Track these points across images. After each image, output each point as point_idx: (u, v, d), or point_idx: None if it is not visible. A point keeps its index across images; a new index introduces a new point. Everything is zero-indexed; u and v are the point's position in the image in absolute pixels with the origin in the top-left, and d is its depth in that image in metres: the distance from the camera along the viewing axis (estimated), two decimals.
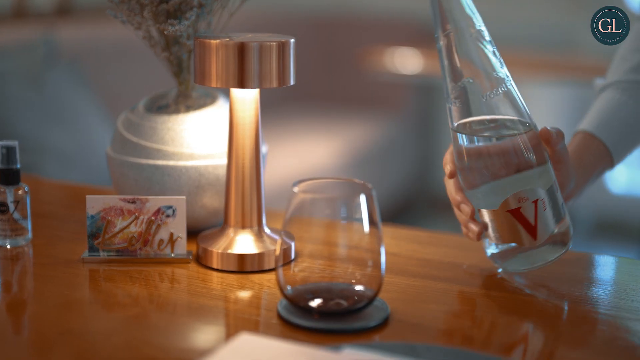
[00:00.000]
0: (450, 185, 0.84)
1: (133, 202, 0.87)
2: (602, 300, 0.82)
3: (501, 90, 0.78)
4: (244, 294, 0.81)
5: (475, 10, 0.79)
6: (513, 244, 0.81)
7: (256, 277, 0.84)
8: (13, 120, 1.80)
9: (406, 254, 0.93)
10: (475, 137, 0.79)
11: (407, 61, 2.69)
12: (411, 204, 3.13)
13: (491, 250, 0.84)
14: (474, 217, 0.82)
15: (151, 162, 0.93)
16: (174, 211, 0.87)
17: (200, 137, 0.94)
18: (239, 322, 0.74)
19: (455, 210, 0.84)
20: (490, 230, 0.82)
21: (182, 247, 0.88)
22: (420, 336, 0.71)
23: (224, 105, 0.97)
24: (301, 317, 0.73)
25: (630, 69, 0.93)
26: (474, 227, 0.82)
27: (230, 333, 0.72)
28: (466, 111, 0.79)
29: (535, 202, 0.78)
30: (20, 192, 0.91)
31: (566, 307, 0.79)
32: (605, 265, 0.94)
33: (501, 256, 0.83)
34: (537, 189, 0.78)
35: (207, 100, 0.98)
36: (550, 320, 0.76)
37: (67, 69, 1.99)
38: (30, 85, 1.87)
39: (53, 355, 0.68)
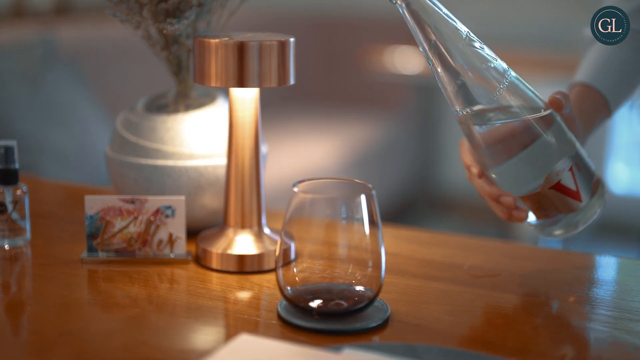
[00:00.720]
0: (480, 183, 0.84)
1: (132, 202, 0.87)
2: (604, 301, 0.81)
3: (507, 81, 0.78)
4: (244, 295, 0.81)
5: (453, 16, 0.78)
6: (561, 215, 0.81)
7: (256, 278, 0.84)
8: (12, 119, 1.79)
9: (406, 254, 0.92)
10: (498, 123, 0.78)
11: (407, 60, 2.69)
12: (411, 204, 3.13)
13: (537, 226, 0.84)
14: (516, 204, 0.83)
15: (150, 162, 0.93)
16: (173, 211, 0.87)
17: (199, 137, 0.94)
18: (238, 322, 0.74)
19: (492, 204, 0.84)
20: (535, 209, 0.82)
21: (182, 247, 0.88)
22: (420, 337, 0.71)
23: (223, 105, 0.97)
24: (301, 318, 0.73)
25: None
26: (520, 214, 0.83)
27: (229, 334, 0.72)
28: (481, 114, 0.78)
29: (571, 168, 0.79)
30: (18, 192, 0.90)
31: (568, 308, 0.79)
32: (607, 266, 0.94)
33: (550, 225, 0.83)
34: (567, 157, 0.79)
35: (206, 99, 0.98)
36: (551, 320, 0.76)
37: (66, 69, 1.99)
38: (29, 85, 1.87)
39: (52, 356, 0.68)
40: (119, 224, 0.87)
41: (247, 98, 0.86)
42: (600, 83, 0.89)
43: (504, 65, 0.79)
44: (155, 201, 0.87)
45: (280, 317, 0.74)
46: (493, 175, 0.82)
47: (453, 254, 0.93)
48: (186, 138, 0.93)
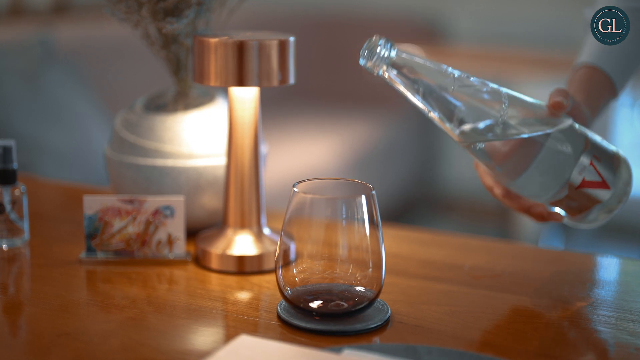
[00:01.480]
0: (509, 201, 0.86)
1: (131, 202, 0.87)
2: (605, 302, 0.81)
3: (505, 104, 0.77)
4: (243, 296, 0.81)
5: (433, 63, 0.76)
6: (595, 206, 0.82)
7: (255, 279, 0.84)
8: (10, 119, 1.79)
9: (407, 254, 0.92)
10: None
11: None
12: (412, 205, 3.12)
13: (575, 220, 0.85)
14: (549, 209, 0.84)
15: (149, 161, 0.92)
16: (172, 211, 0.87)
17: (199, 137, 0.93)
18: (238, 323, 0.74)
19: (525, 214, 0.86)
20: (568, 210, 0.83)
21: (181, 247, 0.88)
22: (421, 338, 0.71)
23: (223, 105, 0.97)
24: (301, 319, 0.72)
25: None
26: (555, 217, 0.84)
27: (229, 335, 0.72)
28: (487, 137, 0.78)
29: (591, 162, 0.79)
30: (17, 192, 0.90)
31: (569, 309, 0.78)
32: (609, 266, 0.93)
33: (587, 216, 0.84)
34: (584, 154, 0.79)
35: (205, 99, 0.98)
36: (552, 321, 0.75)
37: (65, 68, 1.99)
38: (27, 84, 1.86)
39: (50, 357, 0.67)
40: (117, 224, 0.87)
41: (246, 98, 0.86)
42: (604, 63, 0.89)
43: (496, 86, 0.78)
44: (154, 201, 0.87)
45: (280, 318, 0.74)
46: (516, 190, 0.82)
47: (454, 254, 0.93)
48: (185, 138, 0.93)
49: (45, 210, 1.06)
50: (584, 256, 0.94)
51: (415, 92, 0.74)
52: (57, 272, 0.84)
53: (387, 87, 2.90)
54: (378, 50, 0.72)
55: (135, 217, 0.87)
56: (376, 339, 0.71)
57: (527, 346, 0.70)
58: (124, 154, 0.94)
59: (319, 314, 0.72)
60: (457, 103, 0.75)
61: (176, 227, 0.87)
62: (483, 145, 0.77)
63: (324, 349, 0.66)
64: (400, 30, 3.02)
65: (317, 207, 0.71)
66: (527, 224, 2.47)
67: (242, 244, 0.86)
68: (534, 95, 0.82)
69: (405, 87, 0.75)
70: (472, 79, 0.76)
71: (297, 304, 0.73)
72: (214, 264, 0.86)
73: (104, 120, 1.99)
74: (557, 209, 0.84)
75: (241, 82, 0.83)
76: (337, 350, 0.65)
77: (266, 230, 0.89)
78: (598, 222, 0.84)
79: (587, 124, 0.84)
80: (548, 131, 0.78)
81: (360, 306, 0.73)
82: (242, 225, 0.87)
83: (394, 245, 0.94)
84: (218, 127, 0.94)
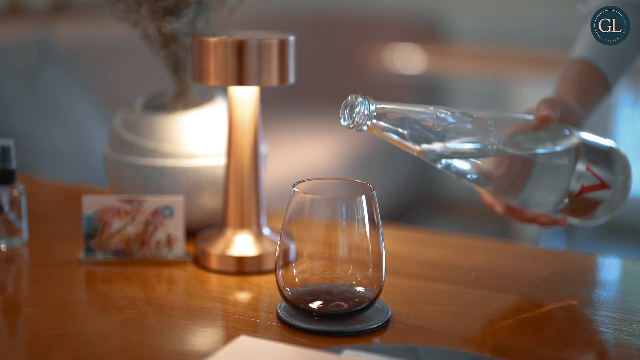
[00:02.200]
0: (513, 215, 0.86)
1: (130, 202, 0.86)
2: (607, 302, 0.81)
3: (491, 126, 0.77)
4: (243, 296, 0.81)
5: (411, 107, 0.75)
6: (597, 206, 0.82)
7: (255, 279, 0.84)
8: (8, 119, 1.79)
9: (407, 255, 0.92)
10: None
11: (408, 58, 2.69)
12: (412, 205, 3.12)
13: (580, 221, 0.85)
14: (553, 216, 0.84)
15: (149, 161, 0.92)
16: (171, 212, 0.86)
17: (198, 136, 0.93)
18: (237, 324, 0.73)
19: (531, 224, 0.87)
20: (572, 214, 0.84)
21: (180, 248, 0.87)
22: (421, 338, 0.71)
23: (222, 104, 0.96)
24: (301, 319, 0.72)
25: None
26: (560, 223, 0.84)
27: (229, 335, 0.71)
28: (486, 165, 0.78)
29: (587, 167, 0.79)
30: (15, 192, 0.90)
31: (570, 309, 0.78)
32: (610, 267, 0.93)
33: (592, 215, 0.84)
34: (580, 160, 0.79)
35: (205, 98, 0.97)
36: (553, 322, 0.75)
37: (64, 67, 1.98)
38: (26, 84, 1.86)
39: (49, 358, 0.67)
40: (116, 224, 0.87)
41: (246, 97, 0.86)
42: (598, 58, 0.89)
43: (481, 113, 0.78)
44: (153, 201, 0.86)
45: (279, 319, 0.73)
46: (518, 205, 0.83)
47: (454, 254, 0.93)
48: (185, 137, 0.93)
49: (44, 211, 1.05)
50: (584, 256, 0.93)
51: (402, 137, 0.74)
52: (56, 273, 0.84)
53: (388, 87, 2.89)
54: (358, 109, 0.71)
55: (135, 217, 0.86)
56: (376, 340, 0.70)
57: (528, 347, 0.70)
58: (123, 154, 0.94)
59: (318, 314, 0.72)
60: (446, 143, 0.75)
61: (175, 227, 0.87)
62: (476, 176, 0.77)
63: (324, 350, 0.66)
64: (401, 30, 3.02)
65: (317, 207, 0.70)
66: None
67: (242, 244, 0.86)
68: (535, 94, 0.82)
69: (393, 135, 0.74)
70: (454, 112, 0.76)
71: (297, 304, 0.72)
72: (214, 264, 0.86)
73: (103, 120, 1.98)
74: (562, 215, 0.84)
75: (241, 81, 0.82)
76: (337, 351, 0.65)
77: (266, 231, 0.89)
78: (605, 219, 0.84)
79: (579, 123, 0.84)
80: (538, 151, 0.78)
81: (361, 307, 0.72)
82: (242, 225, 0.87)
83: (394, 245, 0.94)
84: (218, 127, 0.94)
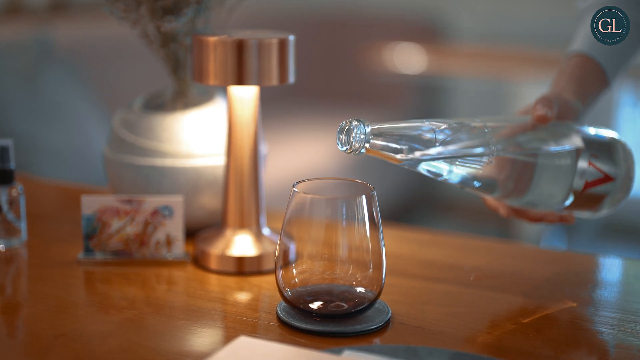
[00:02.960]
0: (519, 217, 0.86)
1: (129, 202, 0.86)
2: (608, 303, 0.81)
3: (489, 134, 0.76)
4: (243, 296, 0.80)
5: (407, 124, 0.74)
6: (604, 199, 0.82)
7: (255, 279, 0.83)
8: (7, 118, 1.78)
9: (407, 255, 0.92)
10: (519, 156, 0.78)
11: (409, 58, 2.68)
12: (412, 205, 3.12)
13: (588, 215, 0.85)
14: (560, 214, 0.84)
15: (148, 161, 0.92)
16: (171, 212, 0.86)
17: (198, 136, 0.93)
18: (237, 324, 0.73)
19: (539, 223, 0.87)
20: (579, 209, 0.83)
21: (180, 248, 0.87)
22: (421, 339, 0.70)
23: (222, 104, 0.96)
24: (301, 320, 0.72)
25: None
26: (567, 220, 0.84)
27: (228, 336, 0.71)
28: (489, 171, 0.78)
29: (590, 162, 0.79)
30: (14, 192, 0.89)
31: (571, 310, 0.78)
32: (611, 267, 0.93)
33: (599, 208, 0.84)
34: (582, 156, 0.79)
35: (204, 98, 0.97)
36: (554, 322, 0.75)
37: (62, 67, 1.98)
38: (24, 84, 1.86)
39: (48, 359, 0.67)
40: (116, 224, 0.86)
41: (246, 97, 0.85)
42: (597, 52, 0.89)
43: (477, 121, 0.77)
44: (152, 201, 0.86)
45: (279, 319, 0.73)
46: (524, 206, 0.82)
47: (454, 254, 0.92)
48: (184, 137, 0.92)
49: (43, 211, 1.05)
50: (585, 257, 0.93)
51: (402, 155, 0.73)
52: (55, 273, 0.84)
53: (388, 87, 2.88)
54: (354, 133, 0.70)
55: (134, 217, 0.86)
56: (376, 340, 0.70)
57: (529, 347, 0.69)
58: (123, 154, 0.93)
59: (318, 315, 0.72)
60: (446, 156, 0.75)
61: (175, 228, 0.87)
62: (479, 184, 0.77)
63: (323, 351, 0.66)
64: (401, 30, 3.01)
65: (317, 207, 0.70)
66: (528, 224, 2.46)
67: (242, 244, 0.86)
68: (535, 94, 0.82)
69: (392, 154, 0.73)
70: (450, 124, 0.75)
71: (296, 304, 0.72)
72: (213, 264, 0.85)
73: (103, 119, 1.98)
74: (568, 211, 0.84)
75: (240, 81, 0.82)
76: (337, 352, 0.65)
77: (266, 231, 0.88)
78: (612, 210, 0.84)
79: (578, 118, 0.83)
80: (539, 153, 0.78)
81: (361, 307, 0.72)
82: (242, 225, 0.87)
83: (395, 245, 0.94)
84: (217, 127, 0.94)
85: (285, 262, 0.74)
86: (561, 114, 0.81)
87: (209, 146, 0.93)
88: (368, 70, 2.83)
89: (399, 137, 0.71)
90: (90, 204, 0.86)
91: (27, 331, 0.73)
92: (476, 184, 0.77)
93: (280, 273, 0.73)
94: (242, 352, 0.65)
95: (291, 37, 0.84)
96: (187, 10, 0.89)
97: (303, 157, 2.55)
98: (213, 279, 0.84)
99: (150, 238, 0.87)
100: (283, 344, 0.67)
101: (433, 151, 0.73)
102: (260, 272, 0.85)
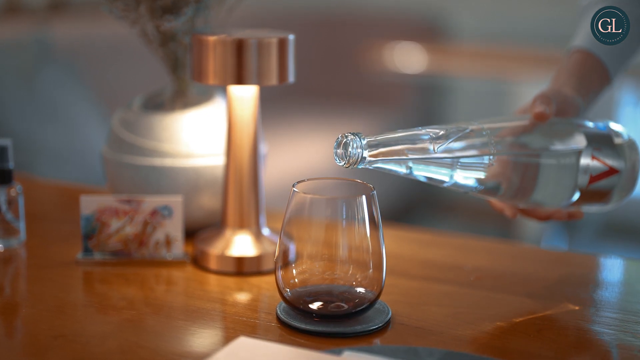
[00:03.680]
0: (526, 216, 0.85)
1: (128, 202, 0.86)
2: (609, 303, 0.80)
3: (488, 136, 0.76)
4: (242, 297, 0.80)
5: (404, 132, 0.73)
6: (612, 192, 0.82)
7: (254, 280, 0.83)
8: (6, 118, 1.78)
9: (408, 255, 0.91)
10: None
11: (409, 57, 2.68)
12: (413, 205, 3.12)
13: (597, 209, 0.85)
14: (568, 211, 0.84)
15: (147, 161, 0.91)
16: (170, 212, 0.86)
17: (197, 136, 0.92)
18: (237, 325, 0.73)
19: (548, 221, 0.86)
20: (587, 204, 0.83)
21: (179, 248, 0.87)
22: (422, 339, 0.70)
23: (221, 103, 0.96)
24: (301, 320, 0.71)
25: None
26: (576, 216, 0.84)
27: (228, 336, 0.71)
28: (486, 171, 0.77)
29: (593, 157, 0.79)
30: (13, 192, 0.89)
31: (572, 310, 0.78)
32: (612, 267, 0.93)
33: (607, 201, 0.84)
34: (584, 151, 0.79)
35: (204, 98, 0.97)
36: (555, 323, 0.75)
37: (61, 67, 1.98)
38: (23, 83, 1.85)
39: (47, 359, 0.66)
40: (115, 224, 0.86)
41: (245, 96, 0.85)
42: (598, 48, 0.88)
43: (475, 124, 0.77)
44: (152, 201, 0.86)
45: (279, 320, 0.73)
46: (531, 206, 0.82)
47: (455, 254, 0.92)
48: (184, 137, 0.92)
49: (41, 211, 1.05)
50: (586, 257, 0.93)
51: (401, 165, 0.73)
52: (53, 273, 0.84)
53: (388, 87, 2.88)
54: (351, 147, 0.70)
55: (133, 217, 0.86)
56: (377, 341, 0.70)
57: (529, 348, 0.69)
58: (122, 154, 0.93)
59: (318, 315, 0.71)
60: (447, 162, 0.74)
61: (174, 228, 0.86)
62: (483, 187, 0.77)
63: (323, 351, 0.65)
64: (401, 29, 3.01)
65: (317, 207, 0.70)
66: (529, 225, 2.46)
67: (241, 244, 0.86)
68: (535, 93, 0.81)
69: (391, 165, 0.73)
70: (447, 129, 0.74)
71: (296, 305, 0.72)
72: (213, 264, 0.85)
73: (101, 119, 1.98)
74: (577, 207, 0.83)
75: (240, 80, 0.82)
76: (337, 352, 0.65)
77: (265, 231, 0.88)
78: (621, 202, 0.84)
79: (579, 114, 0.83)
80: (541, 152, 0.77)
81: (361, 307, 0.72)
82: (241, 225, 0.86)
83: (395, 245, 0.93)
84: (217, 126, 0.93)
85: (285, 262, 0.73)
86: (561, 110, 0.80)
87: (208, 146, 0.93)
88: (368, 69, 2.83)
89: (396, 147, 0.71)
90: (89, 204, 0.86)
91: (26, 332, 0.73)
92: (480, 187, 0.76)
93: (280, 273, 0.72)
94: (242, 353, 0.65)
95: (291, 37, 0.84)
96: (186, 9, 0.89)
97: (303, 157, 2.55)
98: (212, 279, 0.83)
99: (150, 238, 0.86)
100: (283, 345, 0.67)
101: (432, 159, 0.73)
102: (259, 273, 0.84)
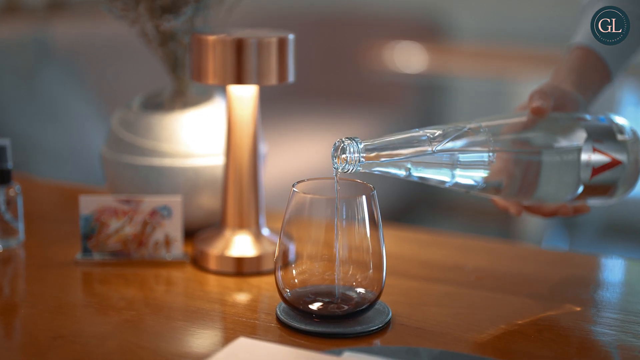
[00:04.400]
0: (531, 213, 0.85)
1: (128, 202, 0.86)
2: (610, 304, 0.80)
3: (486, 134, 0.76)
4: (242, 297, 0.80)
5: (401, 135, 0.73)
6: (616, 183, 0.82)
7: (254, 280, 0.83)
8: (5, 118, 1.78)
9: (408, 255, 0.91)
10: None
11: (409, 57, 2.68)
12: (413, 205, 3.11)
13: (602, 202, 0.85)
14: (574, 205, 0.83)
15: (147, 161, 0.91)
16: (169, 212, 0.86)
17: (197, 136, 0.92)
18: (236, 325, 0.73)
19: (554, 216, 0.86)
20: (592, 197, 0.82)
21: (178, 248, 0.87)
22: (422, 340, 0.70)
23: (221, 103, 0.96)
24: (301, 321, 0.71)
25: None
26: (582, 210, 0.83)
27: (227, 337, 0.71)
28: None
29: (594, 149, 0.78)
30: (11, 192, 0.89)
31: (572, 311, 0.77)
32: (613, 267, 0.92)
33: (612, 193, 0.83)
34: (585, 144, 0.78)
35: (203, 97, 0.97)
36: (556, 323, 0.74)
37: (60, 66, 1.98)
38: (22, 83, 1.85)
39: None
40: (114, 224, 0.86)
41: (245, 96, 0.85)
42: (598, 45, 0.88)
43: (474, 124, 0.76)
44: (151, 201, 0.86)
45: (279, 320, 0.73)
46: (535, 203, 0.82)
47: (455, 255, 0.92)
48: (183, 137, 0.92)
49: (40, 211, 1.05)
50: (587, 257, 0.93)
51: (400, 168, 0.73)
52: (52, 274, 0.83)
53: (388, 86, 2.87)
54: (348, 151, 0.69)
55: (132, 217, 0.86)
56: (377, 342, 0.70)
57: (530, 348, 0.69)
58: (121, 153, 0.93)
59: (318, 316, 0.71)
60: (446, 162, 0.74)
61: (174, 228, 0.86)
62: (484, 185, 0.76)
63: (323, 352, 0.65)
64: (402, 29, 3.01)
65: (317, 207, 0.70)
66: (530, 224, 2.46)
67: (241, 244, 0.85)
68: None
69: (391, 168, 0.72)
70: (445, 129, 0.74)
71: (296, 305, 0.72)
72: (212, 265, 0.85)
73: (101, 119, 1.98)
74: (582, 201, 0.83)
75: (240, 80, 0.81)
76: (337, 353, 0.64)
77: (265, 231, 0.88)
78: (627, 193, 0.83)
79: (578, 110, 0.83)
80: (541, 148, 0.77)
81: (361, 308, 0.72)
82: (241, 225, 0.86)
83: (395, 246, 0.93)
84: (216, 126, 0.93)
85: (284, 262, 0.73)
86: (560, 105, 0.80)
87: (208, 146, 0.92)
88: (368, 69, 2.83)
89: (394, 150, 0.71)
90: (88, 204, 0.86)
91: (25, 332, 0.72)
92: (481, 185, 0.76)
93: (279, 274, 0.72)
94: (241, 354, 0.65)
95: (291, 36, 0.84)
96: (186, 8, 0.89)
97: (303, 157, 2.54)
98: (212, 279, 0.83)
99: (149, 238, 0.86)
100: (282, 345, 0.67)
101: (431, 159, 0.72)
102: (259, 273, 0.84)
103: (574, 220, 2.75)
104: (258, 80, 0.82)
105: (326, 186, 0.73)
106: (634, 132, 0.82)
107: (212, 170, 0.92)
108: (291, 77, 0.84)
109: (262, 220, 0.88)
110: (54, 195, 1.19)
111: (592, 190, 0.80)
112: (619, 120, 0.83)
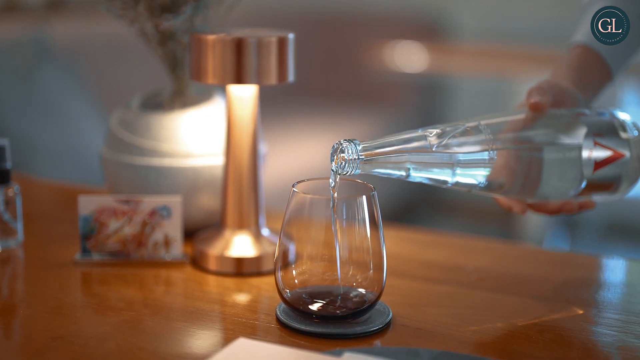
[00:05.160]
0: (536, 211, 0.84)
1: (127, 202, 0.85)
2: (611, 304, 0.80)
3: (486, 132, 0.75)
4: (242, 298, 0.80)
5: (401, 135, 0.73)
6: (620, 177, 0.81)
7: (254, 280, 0.83)
8: (4, 118, 1.78)
9: (408, 256, 0.91)
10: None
11: (410, 56, 2.68)
12: (413, 205, 3.11)
13: (607, 198, 0.84)
14: (579, 201, 0.83)
15: (146, 161, 0.91)
16: (169, 212, 0.85)
17: (196, 136, 0.92)
18: (236, 326, 0.73)
19: (559, 214, 0.85)
20: (596, 193, 0.82)
21: (178, 249, 0.86)
22: (422, 340, 0.70)
23: (221, 103, 0.95)
24: (300, 321, 0.71)
25: None
26: (587, 205, 0.83)
27: (227, 338, 0.71)
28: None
29: (595, 143, 0.78)
30: (10, 192, 0.89)
31: (573, 311, 0.77)
32: (614, 268, 0.92)
33: (617, 189, 0.83)
34: (586, 138, 0.78)
35: (203, 97, 0.96)
36: (557, 324, 0.74)
37: (59, 66, 1.97)
38: (21, 83, 1.85)
39: None
40: (113, 225, 0.85)
41: (245, 96, 0.85)
42: (599, 44, 0.87)
43: (473, 122, 0.76)
44: (150, 202, 0.85)
45: (279, 321, 0.72)
46: (539, 200, 0.81)
47: (456, 255, 0.92)
48: (183, 137, 0.92)
49: (39, 211, 1.04)
50: (588, 258, 0.92)
51: (400, 168, 0.72)
52: (51, 274, 0.83)
53: (388, 86, 2.87)
54: (346, 153, 0.69)
55: (132, 217, 0.85)
56: (377, 342, 0.70)
57: (531, 349, 0.69)
58: (120, 153, 0.93)
59: (318, 316, 0.71)
60: (446, 161, 0.73)
61: (173, 228, 0.86)
62: (485, 184, 0.76)
63: (323, 353, 0.65)
64: (402, 28, 3.01)
65: (317, 207, 0.69)
66: (530, 224, 2.46)
67: (241, 245, 0.85)
68: None
69: (390, 169, 0.72)
70: (444, 128, 0.74)
71: (296, 306, 0.71)
72: (212, 265, 0.85)
73: (100, 119, 1.97)
74: (586, 197, 0.83)
75: (239, 80, 0.81)
76: (337, 354, 0.64)
77: (265, 231, 0.88)
78: (631, 188, 0.83)
79: (577, 105, 0.82)
80: (543, 145, 0.77)
81: (361, 308, 0.71)
82: (241, 226, 0.86)
83: (395, 246, 0.93)
84: (216, 126, 0.93)
85: (284, 263, 0.73)
86: (558, 102, 0.80)
87: (207, 146, 0.92)
88: (369, 69, 2.83)
89: (392, 151, 0.71)
90: (87, 204, 0.85)
91: (24, 333, 0.72)
92: (482, 184, 0.76)
93: (279, 274, 0.72)
94: (241, 354, 0.65)
95: (291, 36, 0.83)
96: (185, 8, 0.88)
97: (303, 157, 2.54)
98: (212, 280, 0.83)
99: (148, 239, 0.86)
100: (282, 346, 0.67)
101: (431, 159, 0.72)
102: (259, 273, 0.84)
103: (575, 220, 2.75)
104: (258, 80, 0.81)
105: (326, 186, 0.73)
106: (636, 127, 0.82)
107: (212, 170, 0.92)
108: (291, 77, 0.84)
109: (262, 220, 0.88)
110: (53, 196, 1.19)
111: (595, 186, 0.80)
112: (621, 115, 0.82)
